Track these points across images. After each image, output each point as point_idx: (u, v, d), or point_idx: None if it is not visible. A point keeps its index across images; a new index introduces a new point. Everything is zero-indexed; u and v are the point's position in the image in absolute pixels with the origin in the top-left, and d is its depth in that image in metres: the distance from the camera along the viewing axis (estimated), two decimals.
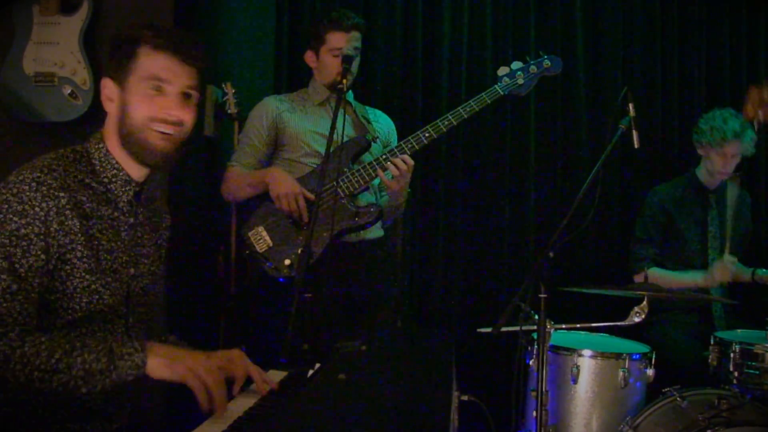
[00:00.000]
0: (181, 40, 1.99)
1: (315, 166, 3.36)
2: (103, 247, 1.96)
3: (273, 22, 4.55)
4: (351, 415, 1.68)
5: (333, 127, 2.89)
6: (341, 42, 3.35)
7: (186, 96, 2.02)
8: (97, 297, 1.95)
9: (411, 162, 3.27)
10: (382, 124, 3.61)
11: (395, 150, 3.29)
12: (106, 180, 2.00)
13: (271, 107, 3.45)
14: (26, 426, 1.91)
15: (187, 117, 2.01)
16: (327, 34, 3.39)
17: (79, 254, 1.91)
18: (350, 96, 3.54)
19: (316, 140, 3.39)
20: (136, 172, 2.04)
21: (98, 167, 2.01)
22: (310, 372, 2.25)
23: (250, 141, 3.44)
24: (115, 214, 2.01)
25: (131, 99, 1.97)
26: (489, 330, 2.85)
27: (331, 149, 3.19)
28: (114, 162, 2.02)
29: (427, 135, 3.29)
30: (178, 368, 1.86)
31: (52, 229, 1.86)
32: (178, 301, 3.42)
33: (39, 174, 1.88)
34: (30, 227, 1.85)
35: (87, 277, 1.93)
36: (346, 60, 3.19)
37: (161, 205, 2.25)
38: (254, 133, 3.44)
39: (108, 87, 2.01)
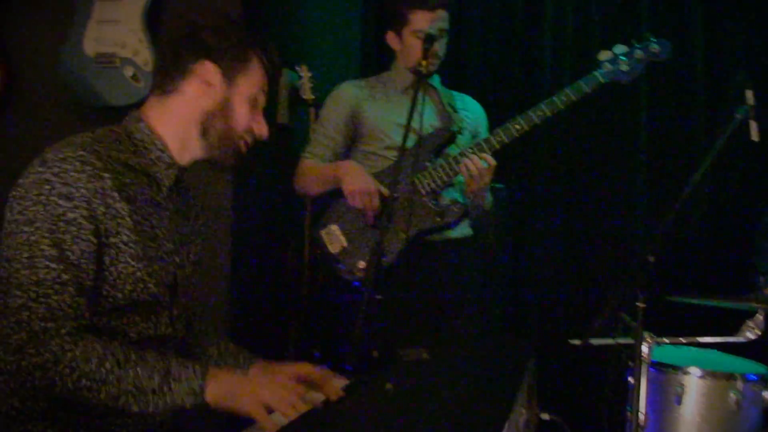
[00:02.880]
0: (278, 61, 2.12)
1: (398, 160, 3.27)
2: (147, 233, 1.94)
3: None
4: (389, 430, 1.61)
5: (411, 115, 2.78)
6: (425, 22, 3.23)
7: None
8: (141, 285, 1.92)
9: (492, 162, 3.14)
10: (471, 111, 3.49)
11: (482, 143, 3.18)
12: (149, 162, 1.99)
13: (349, 95, 3.38)
14: (48, 414, 1.91)
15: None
16: (410, 13, 3.26)
17: (125, 238, 1.88)
18: (436, 81, 3.44)
19: (398, 132, 3.29)
20: (183, 156, 2.05)
21: (141, 147, 1.99)
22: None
23: (325, 131, 3.38)
24: (158, 198, 2.00)
25: (239, 102, 2.05)
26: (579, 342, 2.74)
27: (413, 141, 3.18)
28: (158, 143, 2.01)
29: (518, 127, 3.17)
30: (243, 400, 1.83)
31: (99, 212, 1.83)
32: (244, 302, 3.41)
33: (82, 153, 1.85)
34: (78, 210, 1.81)
35: (132, 263, 1.89)
36: (428, 39, 3.09)
37: (190, 190, 2.23)
38: (330, 122, 3.37)
39: (209, 71, 2.02)
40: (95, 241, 1.83)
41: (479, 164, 3.12)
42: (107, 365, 1.78)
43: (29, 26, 3.56)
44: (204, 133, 2.04)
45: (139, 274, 1.91)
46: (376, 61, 4.35)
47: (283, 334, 3.51)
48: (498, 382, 1.91)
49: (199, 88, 2.01)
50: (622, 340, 2.76)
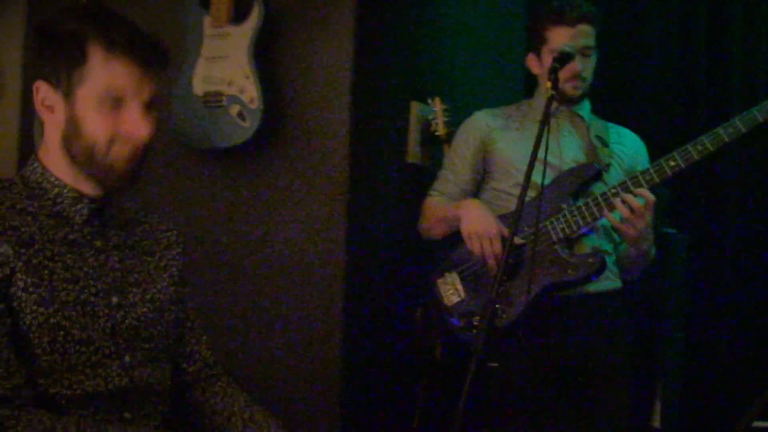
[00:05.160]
0: (141, 38, 1.82)
1: (530, 199, 2.91)
2: (59, 276, 1.79)
3: (522, 10, 4.21)
4: None
5: (536, 147, 2.45)
6: (565, 39, 2.89)
7: (148, 106, 1.84)
8: (62, 333, 1.75)
9: (650, 198, 2.72)
10: (628, 147, 3.08)
11: (627, 182, 2.78)
12: (49, 203, 1.85)
13: (480, 125, 3.08)
14: None
15: (152, 130, 1.85)
16: (547, 31, 2.95)
17: (21, 284, 1.73)
18: (585, 109, 3.07)
19: (534, 168, 2.93)
20: (90, 187, 1.87)
21: (36, 189, 1.86)
22: None
23: (452, 166, 3.11)
24: (71, 237, 1.84)
25: (84, 116, 1.80)
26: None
27: (549, 179, 2.84)
28: (53, 179, 1.86)
29: (672, 164, 2.76)
30: None
31: None
32: (362, 362, 3.14)
33: None
34: None
35: (40, 310, 1.74)
36: (561, 58, 2.69)
37: (157, 222, 2.09)
38: (457, 156, 3.10)
39: (44, 92, 1.83)
40: None
41: (635, 202, 2.71)
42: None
43: None
44: (72, 160, 1.84)
45: (53, 320, 1.75)
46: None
47: (411, 400, 3.19)
48: None
49: (44, 114, 1.84)
50: None
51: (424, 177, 3.35)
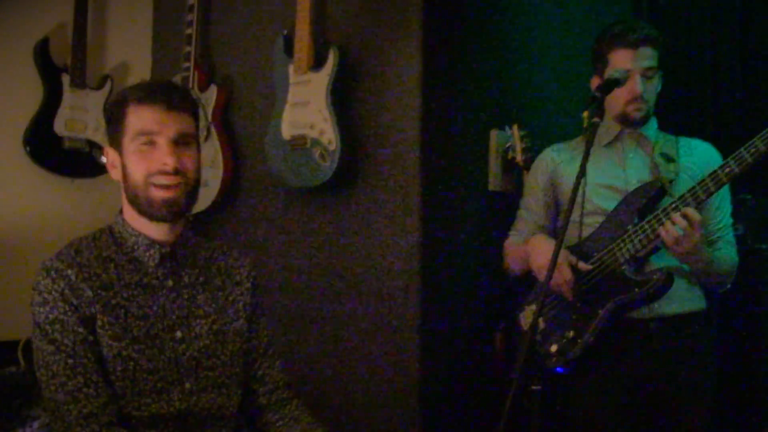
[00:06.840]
0: (164, 89, 2.19)
1: (599, 225, 3.00)
2: (133, 314, 2.14)
3: None
4: None
5: (580, 175, 2.51)
6: (627, 62, 2.94)
7: (179, 143, 2.17)
8: (132, 364, 2.10)
9: (696, 218, 2.73)
10: (698, 158, 3.07)
11: (686, 195, 2.79)
12: (128, 249, 2.21)
13: (546, 161, 3.20)
14: None
15: (185, 163, 2.17)
16: (609, 53, 3.01)
17: (100, 323, 2.10)
18: (651, 129, 3.10)
19: (600, 194, 3.01)
20: (160, 233, 2.21)
21: (119, 238, 2.22)
22: None
23: (526, 204, 3.24)
24: (145, 279, 2.19)
25: (128, 160, 2.17)
26: None
27: (615, 202, 2.96)
28: (130, 229, 2.22)
29: (727, 170, 2.74)
30: None
31: (75, 303, 2.08)
32: (440, 389, 3.26)
33: (49, 262, 2.13)
34: (56, 310, 2.08)
35: (114, 344, 2.09)
36: (606, 86, 2.72)
37: (234, 259, 2.41)
38: (530, 194, 3.23)
39: (109, 155, 2.24)
40: (83, 330, 2.08)
41: (682, 224, 2.72)
42: None
43: (246, 117, 3.78)
44: (131, 205, 2.20)
45: (124, 353, 2.10)
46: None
47: (491, 427, 3.27)
48: None
49: (113, 173, 2.24)
50: None
51: (507, 203, 3.44)
